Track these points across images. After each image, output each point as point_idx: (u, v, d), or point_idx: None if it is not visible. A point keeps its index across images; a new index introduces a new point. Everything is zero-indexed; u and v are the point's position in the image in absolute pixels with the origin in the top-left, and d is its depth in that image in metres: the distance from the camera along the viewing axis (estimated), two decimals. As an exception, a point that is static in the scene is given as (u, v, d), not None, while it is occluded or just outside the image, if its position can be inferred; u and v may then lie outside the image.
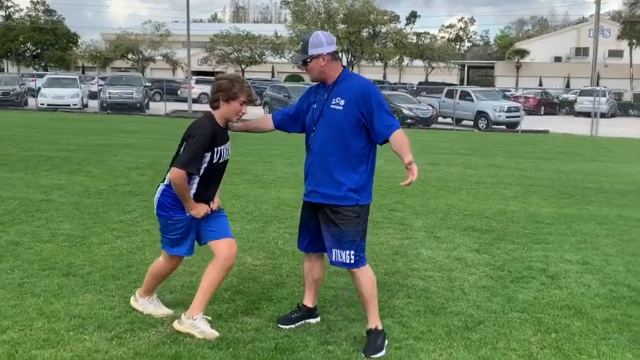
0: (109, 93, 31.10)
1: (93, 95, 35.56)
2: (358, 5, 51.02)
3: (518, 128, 27.16)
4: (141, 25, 59.61)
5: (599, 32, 45.34)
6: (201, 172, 4.02)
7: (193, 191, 4.04)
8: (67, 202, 8.05)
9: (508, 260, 6.01)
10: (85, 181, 9.71)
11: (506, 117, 28.03)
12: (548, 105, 41.38)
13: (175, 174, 3.92)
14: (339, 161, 3.90)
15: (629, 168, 13.82)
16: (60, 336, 3.98)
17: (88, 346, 3.84)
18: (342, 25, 51.50)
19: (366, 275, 4.05)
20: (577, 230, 7.33)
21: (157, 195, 4.16)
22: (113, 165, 11.65)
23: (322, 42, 3.90)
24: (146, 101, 33.19)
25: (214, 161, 4.03)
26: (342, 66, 4.03)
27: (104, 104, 30.98)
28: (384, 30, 52.93)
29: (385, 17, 52.58)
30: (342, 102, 3.88)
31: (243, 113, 4.06)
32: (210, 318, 4.17)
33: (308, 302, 4.39)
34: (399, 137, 3.87)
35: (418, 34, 58.65)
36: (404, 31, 54.62)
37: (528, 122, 28.60)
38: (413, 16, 66.37)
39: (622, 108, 41.97)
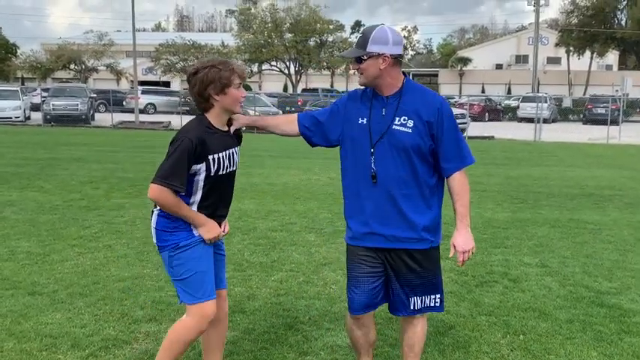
0: (53, 105, 30.31)
1: (35, 107, 34.63)
2: (304, 15, 51.35)
3: (465, 135, 27.74)
4: (82, 34, 58.49)
5: (538, 40, 46.86)
6: (200, 191, 3.15)
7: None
8: (21, 219, 7.86)
9: (471, 265, 6.17)
10: (38, 197, 9.48)
11: (453, 124, 28.58)
12: (492, 111, 42.42)
13: (153, 192, 3.03)
14: (410, 195, 3.12)
15: (575, 172, 14.33)
16: (33, 356, 3.90)
17: (64, 366, 3.78)
18: (289, 35, 51.70)
19: (426, 322, 3.46)
20: (533, 234, 7.58)
21: (153, 224, 3.22)
22: (65, 179, 11.40)
23: (387, 39, 3.05)
24: (91, 112, 32.55)
25: (212, 173, 3.13)
26: (404, 74, 3.19)
27: (48, 116, 30.21)
28: (330, 39, 53.36)
29: (331, 26, 53.03)
30: (411, 123, 3.08)
31: (243, 97, 3.23)
32: None
33: None
34: (463, 182, 3.16)
35: (364, 43, 59.33)
36: (349, 39, 55.10)
37: (474, 129, 29.25)
38: (357, 25, 67.30)
39: (562, 113, 43.43)
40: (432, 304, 3.29)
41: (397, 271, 3.24)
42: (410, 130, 3.07)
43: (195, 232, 3.18)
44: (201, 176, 3.13)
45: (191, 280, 3.16)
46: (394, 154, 3.10)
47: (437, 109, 3.09)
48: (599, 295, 5.31)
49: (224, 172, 3.19)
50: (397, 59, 3.10)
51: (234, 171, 3.31)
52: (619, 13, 58.81)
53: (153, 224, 3.22)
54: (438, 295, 3.29)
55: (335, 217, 8.27)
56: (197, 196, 3.16)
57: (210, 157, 3.11)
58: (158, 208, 3.17)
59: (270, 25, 52.21)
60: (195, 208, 3.16)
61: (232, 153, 3.25)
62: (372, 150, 3.12)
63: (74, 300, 4.93)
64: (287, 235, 7.28)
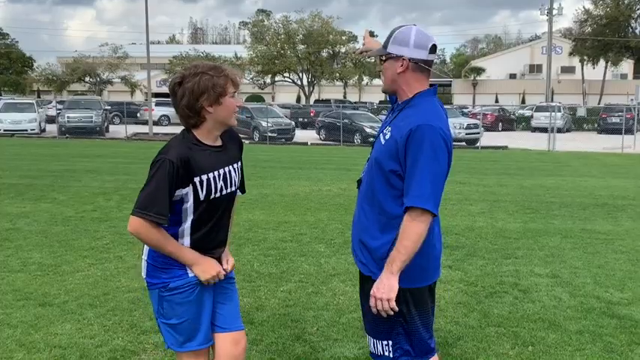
0: (68, 117, 30.64)
1: (50, 119, 35.01)
2: (317, 26, 51.55)
3: (478, 145, 27.67)
4: (98, 47, 59.09)
5: (552, 49, 46.73)
6: (189, 220, 2.69)
7: (189, 244, 2.72)
8: (34, 231, 7.93)
9: (480, 276, 6.15)
10: (51, 208, 9.56)
11: (466, 134, 28.56)
12: (506, 121, 42.27)
13: (132, 225, 2.58)
14: (367, 213, 2.77)
15: (588, 182, 14.23)
16: (42, 367, 3.93)
17: (72, 377, 3.81)
18: (302, 46, 51.92)
19: None
20: (544, 244, 7.53)
21: (144, 255, 2.78)
22: (78, 191, 11.50)
23: (408, 40, 2.69)
24: (106, 125, 32.86)
25: (202, 197, 2.66)
26: (431, 85, 2.80)
27: (63, 128, 30.51)
28: (343, 50, 53.52)
29: (343, 37, 53.20)
30: (388, 135, 2.69)
31: (239, 107, 2.79)
32: None
33: None
34: (407, 224, 2.58)
35: (376, 54, 59.39)
36: (363, 50, 55.15)
37: (487, 138, 29.17)
38: (371, 36, 67.18)
39: (576, 123, 43.18)
40: (385, 353, 2.79)
41: (362, 294, 2.86)
42: (383, 142, 2.71)
43: (189, 271, 2.71)
44: (189, 202, 2.66)
45: (180, 328, 2.74)
46: (369, 164, 2.81)
47: (408, 131, 2.57)
48: (610, 305, 5.27)
49: (218, 195, 2.72)
50: (419, 65, 2.70)
51: (233, 193, 2.83)
52: (633, 21, 58.45)
53: (144, 256, 2.77)
54: (390, 342, 2.77)
55: (345, 228, 8.27)
56: (186, 224, 2.70)
57: (197, 179, 2.63)
58: None
59: (283, 36, 52.46)
60: (187, 238, 2.71)
61: (229, 171, 2.77)
62: (369, 157, 2.86)
63: (84, 311, 4.97)
64: (297, 246, 7.29)
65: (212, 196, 2.69)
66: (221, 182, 2.72)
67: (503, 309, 5.17)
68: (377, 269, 2.69)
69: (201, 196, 2.66)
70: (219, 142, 2.77)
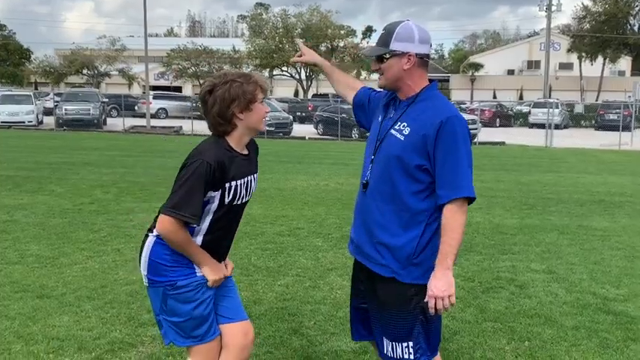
0: (66, 109, 30.63)
1: (48, 112, 34.93)
2: (316, 20, 51.49)
3: (476, 140, 27.61)
4: (96, 40, 58.90)
5: (550, 46, 46.74)
6: (207, 220, 2.74)
7: (199, 244, 2.77)
8: (32, 223, 7.93)
9: (477, 271, 6.17)
10: (48, 201, 9.56)
11: (464, 129, 28.51)
12: (503, 117, 42.28)
13: (164, 224, 2.63)
14: (385, 212, 2.70)
15: (585, 178, 14.27)
16: (40, 359, 3.94)
17: (70, 369, 3.82)
18: (300, 40, 51.84)
19: None
20: (541, 240, 7.56)
21: (146, 252, 2.77)
22: (76, 183, 11.49)
23: (413, 36, 2.68)
24: (103, 117, 32.80)
25: (226, 202, 2.72)
26: (430, 80, 2.79)
27: (60, 121, 30.47)
28: (341, 44, 53.46)
29: (342, 32, 53.16)
30: (407, 130, 2.65)
31: (268, 113, 2.88)
32: None
33: None
34: (453, 216, 2.58)
35: (375, 48, 59.27)
36: (361, 45, 55.18)
37: (485, 134, 29.18)
38: (369, 31, 66.85)
39: (574, 119, 43.22)
40: (406, 356, 2.72)
41: (369, 295, 2.84)
42: (402, 138, 2.65)
43: (197, 271, 2.76)
44: (214, 205, 2.72)
45: (184, 325, 2.76)
46: (382, 162, 2.71)
47: (439, 122, 2.57)
48: (606, 302, 5.29)
49: (239, 202, 2.80)
50: (423, 59, 2.72)
51: (248, 201, 2.90)
52: (631, 18, 58.48)
53: (146, 253, 2.75)
54: (410, 344, 2.71)
55: (343, 223, 8.28)
56: (204, 225, 2.74)
57: (227, 185, 2.70)
58: (155, 233, 2.75)
59: (281, 30, 52.41)
60: (200, 237, 2.76)
61: (251, 180, 2.85)
62: (373, 157, 2.78)
63: (82, 303, 4.98)
64: (294, 240, 7.30)
65: (234, 202, 2.77)
66: (243, 190, 2.80)
67: (499, 304, 5.19)
68: (401, 269, 2.67)
69: (226, 201, 2.73)
70: (246, 152, 2.86)
